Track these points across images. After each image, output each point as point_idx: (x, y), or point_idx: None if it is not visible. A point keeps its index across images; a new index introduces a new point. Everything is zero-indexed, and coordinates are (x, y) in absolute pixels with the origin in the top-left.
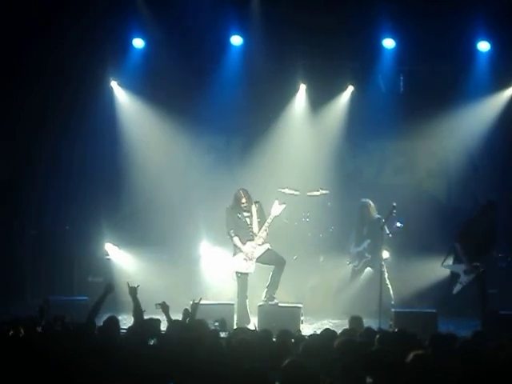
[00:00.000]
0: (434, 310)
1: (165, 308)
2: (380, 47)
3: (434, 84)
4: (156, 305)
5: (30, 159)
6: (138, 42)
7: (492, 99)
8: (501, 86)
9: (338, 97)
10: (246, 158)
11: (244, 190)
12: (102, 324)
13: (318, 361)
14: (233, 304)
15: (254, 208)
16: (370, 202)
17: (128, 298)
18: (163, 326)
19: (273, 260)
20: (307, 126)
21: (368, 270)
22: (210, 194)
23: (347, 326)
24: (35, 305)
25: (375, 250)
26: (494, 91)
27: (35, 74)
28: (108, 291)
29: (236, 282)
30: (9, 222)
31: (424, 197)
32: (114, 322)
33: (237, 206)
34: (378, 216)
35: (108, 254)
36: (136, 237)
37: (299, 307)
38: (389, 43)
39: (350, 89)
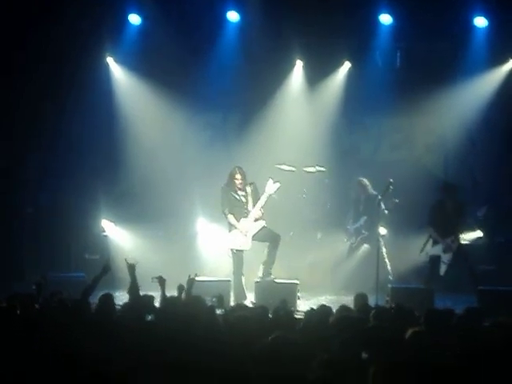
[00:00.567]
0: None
1: (161, 282)
2: (377, 23)
3: (431, 60)
4: (152, 278)
5: (27, 137)
6: (135, 19)
7: (489, 74)
8: (498, 61)
9: (334, 73)
10: (243, 134)
11: (239, 167)
12: (97, 301)
13: (314, 337)
14: (229, 280)
15: (248, 188)
16: (366, 180)
17: (125, 275)
18: (157, 303)
19: (268, 237)
20: (304, 102)
21: (365, 246)
22: (206, 171)
23: (344, 303)
24: (33, 282)
25: (372, 227)
26: (491, 67)
27: (34, 52)
28: (105, 271)
29: (232, 259)
30: (6, 200)
31: (421, 173)
32: (108, 299)
33: (231, 184)
34: (375, 193)
35: (105, 231)
36: (132, 213)
37: (296, 283)
38: (386, 19)
39: (347, 65)
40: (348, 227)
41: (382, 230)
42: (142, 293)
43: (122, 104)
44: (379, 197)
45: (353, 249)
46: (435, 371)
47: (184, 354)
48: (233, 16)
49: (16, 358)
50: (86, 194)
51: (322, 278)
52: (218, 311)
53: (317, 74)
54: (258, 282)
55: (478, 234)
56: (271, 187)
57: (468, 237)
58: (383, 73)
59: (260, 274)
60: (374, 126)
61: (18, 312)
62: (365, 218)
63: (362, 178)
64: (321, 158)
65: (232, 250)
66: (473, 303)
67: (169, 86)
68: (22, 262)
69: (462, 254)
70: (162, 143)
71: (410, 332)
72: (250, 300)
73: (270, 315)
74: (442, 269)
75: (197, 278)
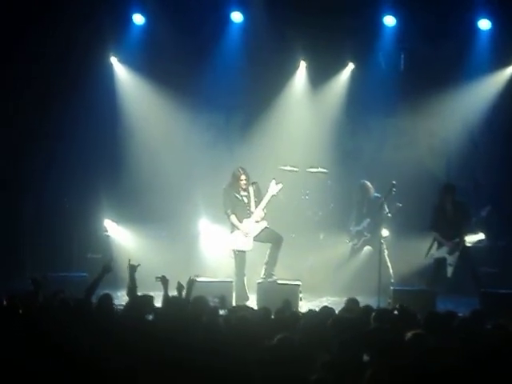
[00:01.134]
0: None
1: (164, 282)
2: (381, 25)
3: (435, 62)
4: (156, 278)
5: (31, 136)
6: (139, 18)
7: (493, 77)
8: (502, 64)
9: (338, 74)
10: (246, 135)
11: (243, 168)
12: (96, 301)
13: (315, 338)
14: (231, 281)
15: (251, 188)
16: (368, 182)
17: (126, 275)
18: (157, 303)
19: (270, 238)
20: (307, 103)
21: (367, 248)
22: (209, 171)
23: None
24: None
25: (375, 229)
26: (494, 69)
27: (36, 51)
28: (106, 271)
29: (234, 260)
30: (8, 199)
31: (424, 175)
32: (107, 299)
33: (234, 185)
34: (377, 195)
35: (107, 231)
36: (135, 213)
37: (298, 285)
38: (390, 21)
39: (351, 66)
40: (351, 229)
41: (385, 232)
42: (141, 293)
43: (125, 104)
44: (382, 199)
45: (355, 250)
46: (434, 374)
47: (184, 354)
48: (237, 17)
49: (17, 356)
50: (88, 194)
51: (324, 279)
52: (221, 312)
53: (320, 75)
54: (260, 282)
55: (481, 236)
56: (274, 188)
57: (470, 239)
58: (387, 74)
59: (262, 274)
60: (377, 127)
61: (20, 311)
62: (368, 220)
63: (365, 181)
64: (324, 159)
65: (234, 250)
66: (475, 306)
67: (172, 86)
68: (24, 261)
69: (467, 255)
70: (165, 143)
71: (410, 334)
72: (251, 301)
73: (272, 316)
74: (449, 271)
75: (199, 279)
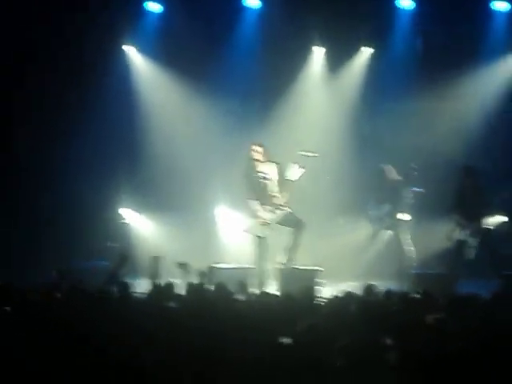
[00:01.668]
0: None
1: (186, 267)
2: (397, 8)
3: (452, 44)
4: (178, 264)
5: (48, 127)
6: (154, 6)
7: (510, 59)
8: None
9: (355, 58)
10: (264, 121)
11: (257, 144)
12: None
13: (339, 323)
14: (253, 268)
15: (272, 168)
16: (390, 167)
17: (144, 263)
18: (178, 290)
19: (292, 223)
20: (324, 88)
21: (388, 232)
22: (227, 158)
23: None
24: (55, 271)
25: (395, 213)
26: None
27: (51, 42)
28: (123, 259)
29: (255, 246)
30: (27, 190)
31: (443, 158)
32: (127, 288)
33: (252, 167)
34: (398, 178)
35: (125, 219)
36: (153, 201)
37: (319, 270)
38: (407, 3)
39: (368, 50)
40: (370, 213)
41: (406, 216)
42: (162, 281)
43: (142, 92)
44: (402, 183)
45: (376, 234)
46: (455, 359)
47: (211, 342)
48: (253, 2)
49: (40, 350)
50: (106, 183)
51: (345, 264)
52: (241, 297)
53: (337, 60)
54: (281, 268)
55: (503, 218)
56: (295, 172)
57: (493, 221)
58: (404, 57)
59: (283, 260)
60: (395, 111)
61: (40, 301)
62: (388, 205)
63: (384, 165)
64: (341, 143)
65: (256, 236)
66: (496, 288)
67: (188, 73)
68: (43, 251)
69: (488, 238)
70: (182, 131)
71: (430, 318)
72: (273, 287)
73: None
74: (470, 253)
75: (220, 265)
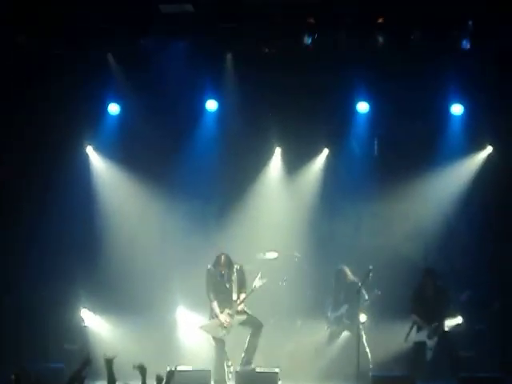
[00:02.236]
0: (411, 374)
1: (142, 371)
2: (354, 111)
3: (409, 147)
4: (133, 366)
5: (7, 233)
6: (114, 108)
7: (466, 162)
8: (474, 148)
9: (313, 160)
10: (223, 222)
11: (226, 255)
12: None
13: None
14: (209, 370)
15: (234, 275)
16: (346, 268)
17: (103, 366)
18: None
19: (250, 324)
20: (283, 189)
21: (345, 333)
22: (185, 259)
23: None
24: (11, 372)
25: (353, 315)
26: (468, 154)
27: (11, 140)
28: (86, 364)
29: (213, 347)
30: None
31: (401, 259)
32: None
33: (217, 267)
34: (355, 280)
35: (84, 321)
36: (112, 302)
37: (276, 372)
38: (363, 107)
39: (326, 152)
40: (328, 315)
41: (362, 317)
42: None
43: (101, 193)
44: (359, 284)
45: (333, 336)
46: None
47: None
48: (211, 105)
49: None
50: (64, 284)
51: (303, 365)
52: None
53: (296, 161)
54: (238, 371)
55: (459, 320)
56: (258, 282)
57: (449, 323)
58: (361, 160)
59: (241, 362)
60: (353, 212)
61: None
62: (346, 306)
63: (342, 266)
64: (300, 244)
65: (214, 338)
66: None
67: (148, 174)
68: (2, 353)
69: (447, 339)
70: (141, 232)
71: None
72: None
73: None
74: (428, 354)
75: (179, 368)
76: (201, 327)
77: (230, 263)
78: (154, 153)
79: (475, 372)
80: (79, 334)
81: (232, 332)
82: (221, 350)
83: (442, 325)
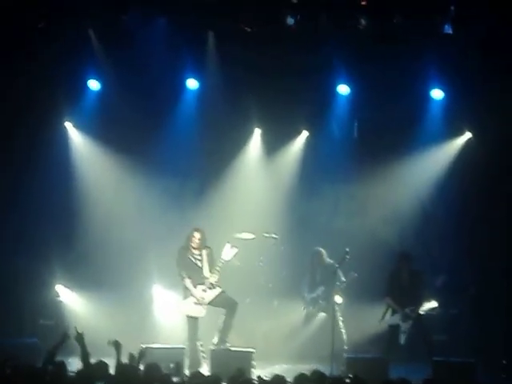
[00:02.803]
0: (385, 356)
1: (117, 346)
2: (334, 93)
3: (388, 130)
4: (108, 342)
5: None
6: (94, 84)
7: (445, 146)
8: (454, 133)
9: (292, 141)
10: (200, 201)
11: (199, 230)
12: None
13: None
14: (184, 348)
15: (204, 252)
16: (322, 250)
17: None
18: (112, 370)
19: (225, 303)
20: (262, 169)
21: (321, 314)
22: (162, 237)
23: (299, 371)
24: None
25: (329, 296)
26: (447, 138)
27: None
28: (64, 339)
29: (187, 326)
30: None
31: (377, 242)
32: (61, 367)
33: (188, 247)
34: (331, 261)
35: (59, 296)
36: (88, 278)
37: (251, 352)
38: (343, 89)
39: (305, 133)
40: (305, 295)
41: (338, 299)
42: (95, 359)
43: (79, 169)
44: (336, 266)
45: (309, 317)
46: None
47: None
48: (192, 84)
49: None
50: (40, 259)
51: (278, 345)
52: (175, 379)
53: (275, 142)
54: (213, 350)
55: (434, 304)
56: (228, 252)
57: (424, 307)
58: (340, 142)
59: (215, 341)
60: (331, 194)
61: None
62: (322, 288)
63: (319, 248)
64: (278, 225)
65: (187, 316)
66: (428, 373)
67: (127, 151)
68: None
69: (421, 323)
70: (118, 209)
71: None
72: (205, 368)
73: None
74: (402, 338)
75: (151, 346)
76: (177, 307)
77: (202, 238)
78: (134, 130)
79: (449, 356)
80: (54, 309)
81: (208, 311)
82: (194, 330)
83: (416, 308)
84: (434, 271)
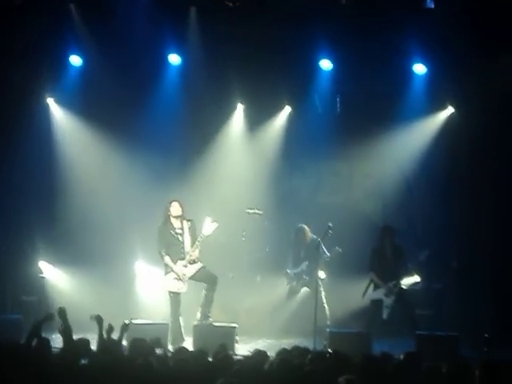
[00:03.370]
0: (368, 331)
1: (99, 321)
2: (317, 68)
3: (371, 105)
4: (91, 317)
5: None
6: (76, 59)
7: (428, 121)
8: (436, 108)
9: (275, 116)
10: (183, 176)
11: (175, 201)
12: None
13: (250, 382)
14: (167, 324)
15: (186, 225)
16: (305, 227)
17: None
18: (93, 346)
19: (205, 278)
20: (245, 144)
21: (305, 289)
22: (145, 213)
23: (283, 346)
24: None
25: (313, 271)
26: (429, 113)
27: None
28: (49, 318)
29: (169, 302)
30: None
31: (360, 217)
32: (45, 344)
33: (167, 222)
34: (314, 236)
35: (42, 273)
36: (71, 254)
37: (234, 327)
38: (326, 64)
39: (288, 109)
40: (288, 271)
41: (321, 274)
42: (77, 336)
43: (61, 145)
44: (318, 240)
45: (292, 292)
46: None
47: None
48: (174, 59)
49: None
50: (23, 235)
51: (261, 321)
52: (158, 351)
53: (257, 118)
54: (196, 325)
55: (417, 278)
56: (208, 227)
57: (407, 281)
58: (323, 117)
59: (198, 316)
60: (314, 169)
61: None
62: (306, 263)
63: (302, 225)
64: (261, 201)
65: (169, 292)
66: (411, 347)
67: (110, 127)
68: None
69: (403, 298)
70: (101, 184)
71: (342, 379)
72: (187, 343)
73: (210, 359)
74: (385, 312)
75: (134, 321)
76: (159, 283)
77: (180, 208)
78: (116, 105)
79: (432, 330)
80: (37, 285)
81: (190, 287)
82: (176, 306)
83: (398, 283)
84: (417, 245)
